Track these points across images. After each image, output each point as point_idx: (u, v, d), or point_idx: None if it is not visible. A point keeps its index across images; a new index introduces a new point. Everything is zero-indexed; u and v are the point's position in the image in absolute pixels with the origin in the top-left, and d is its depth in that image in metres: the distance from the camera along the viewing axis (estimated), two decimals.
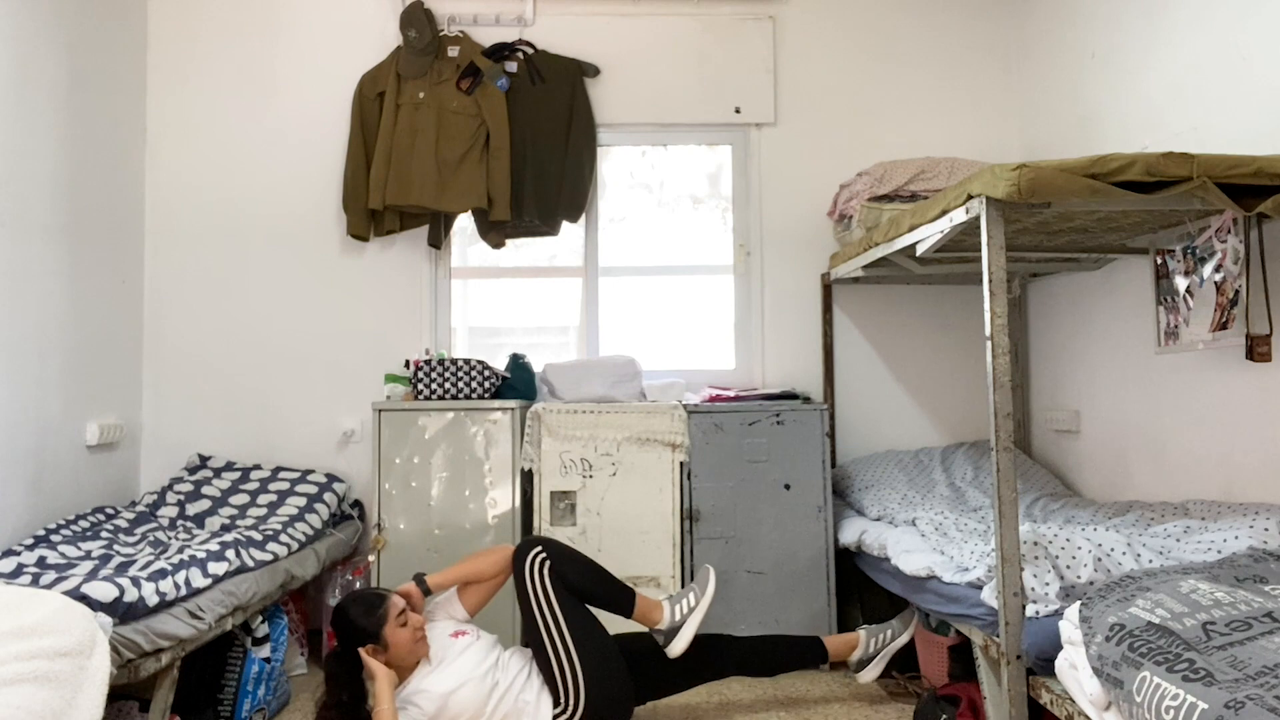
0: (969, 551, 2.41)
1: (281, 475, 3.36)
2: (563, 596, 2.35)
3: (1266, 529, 2.13)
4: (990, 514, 2.94)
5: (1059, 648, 1.90)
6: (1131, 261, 2.99)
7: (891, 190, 3.21)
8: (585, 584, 2.42)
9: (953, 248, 2.64)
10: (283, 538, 2.86)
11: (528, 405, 3.26)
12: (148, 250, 3.66)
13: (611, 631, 2.45)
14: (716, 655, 2.56)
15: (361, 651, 2.26)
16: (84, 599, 1.96)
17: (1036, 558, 2.11)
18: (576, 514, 3.14)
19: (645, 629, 2.54)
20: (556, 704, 2.29)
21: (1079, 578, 2.07)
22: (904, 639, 2.75)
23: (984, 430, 3.74)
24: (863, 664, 2.71)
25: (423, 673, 2.30)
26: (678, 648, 2.43)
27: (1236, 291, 2.29)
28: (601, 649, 2.34)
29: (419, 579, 2.49)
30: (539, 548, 2.40)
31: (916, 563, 2.56)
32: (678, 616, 2.46)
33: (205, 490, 3.27)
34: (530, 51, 3.71)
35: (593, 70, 3.73)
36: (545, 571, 2.36)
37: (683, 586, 2.94)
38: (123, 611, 2.02)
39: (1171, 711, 1.43)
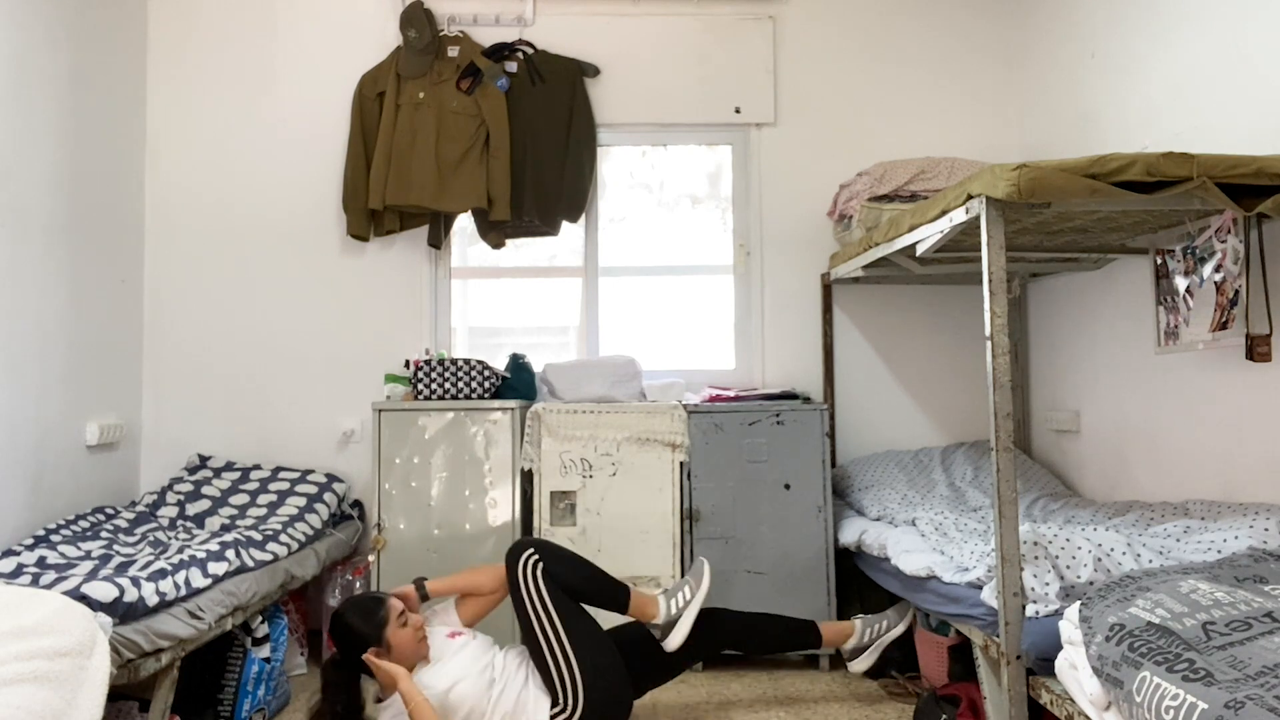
0: (969, 551, 2.41)
1: (281, 475, 3.36)
2: (557, 597, 2.35)
3: (1266, 529, 2.13)
4: (990, 514, 2.94)
5: (1059, 648, 1.90)
6: (1131, 261, 2.99)
7: (891, 190, 3.21)
8: (578, 583, 2.42)
9: (953, 248, 2.64)
10: (283, 538, 2.86)
11: (528, 405, 3.26)
12: (148, 250, 3.66)
13: (605, 625, 2.46)
14: (711, 633, 2.56)
15: (367, 656, 2.25)
16: (84, 599, 1.96)
17: (1036, 558, 2.11)
18: (576, 514, 3.14)
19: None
20: (555, 704, 2.29)
21: (1079, 578, 2.07)
22: (899, 630, 2.76)
23: (984, 430, 3.73)
24: (856, 653, 2.72)
25: (420, 670, 2.30)
26: (674, 641, 2.44)
27: (1236, 291, 2.29)
28: (599, 648, 2.34)
29: (418, 583, 2.49)
30: (530, 550, 2.40)
31: (916, 563, 2.56)
32: (673, 610, 2.47)
33: (205, 490, 3.27)
34: (530, 51, 3.71)
35: (593, 70, 3.73)
36: (538, 573, 2.35)
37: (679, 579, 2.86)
38: (123, 611, 2.02)
39: (1171, 711, 1.43)
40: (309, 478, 3.34)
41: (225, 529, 2.97)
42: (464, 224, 3.80)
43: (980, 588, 2.26)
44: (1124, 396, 3.05)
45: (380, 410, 3.17)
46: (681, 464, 3.17)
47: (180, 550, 2.51)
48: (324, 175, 3.71)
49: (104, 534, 2.82)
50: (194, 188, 3.68)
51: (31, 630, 1.73)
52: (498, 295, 3.88)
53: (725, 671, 3.11)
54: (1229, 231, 2.20)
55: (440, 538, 3.12)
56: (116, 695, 2.25)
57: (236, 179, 3.70)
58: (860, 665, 2.72)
